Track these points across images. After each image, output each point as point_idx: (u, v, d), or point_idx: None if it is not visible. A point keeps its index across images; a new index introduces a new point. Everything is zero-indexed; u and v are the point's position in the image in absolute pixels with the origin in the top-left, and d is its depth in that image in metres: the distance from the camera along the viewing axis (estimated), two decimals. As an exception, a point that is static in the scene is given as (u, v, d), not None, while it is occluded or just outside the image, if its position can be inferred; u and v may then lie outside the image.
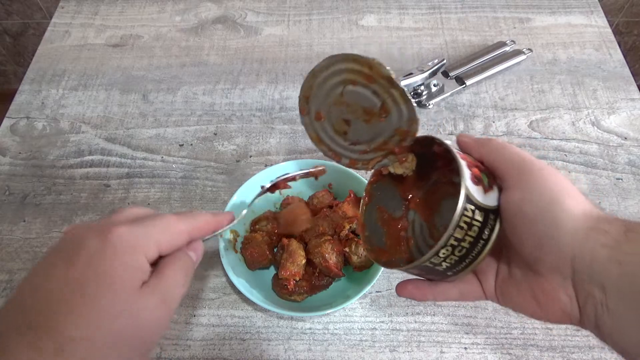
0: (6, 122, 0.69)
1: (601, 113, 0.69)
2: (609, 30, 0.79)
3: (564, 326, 0.51)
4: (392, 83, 0.31)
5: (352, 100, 0.34)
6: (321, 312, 0.50)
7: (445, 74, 0.71)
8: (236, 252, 0.54)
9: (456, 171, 0.29)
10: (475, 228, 0.29)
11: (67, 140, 0.67)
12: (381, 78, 0.32)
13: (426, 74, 0.67)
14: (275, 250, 0.55)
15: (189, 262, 0.32)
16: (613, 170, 0.63)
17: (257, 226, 0.56)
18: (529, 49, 0.74)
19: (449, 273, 0.31)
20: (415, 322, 0.52)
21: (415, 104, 0.33)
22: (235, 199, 0.55)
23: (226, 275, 0.50)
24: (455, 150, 0.31)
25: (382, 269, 0.49)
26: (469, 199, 0.28)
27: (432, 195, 0.36)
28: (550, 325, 0.51)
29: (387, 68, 0.31)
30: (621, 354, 0.26)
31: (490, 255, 0.31)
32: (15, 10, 1.38)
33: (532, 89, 0.71)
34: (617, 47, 0.76)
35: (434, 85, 0.69)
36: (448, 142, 0.31)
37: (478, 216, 0.29)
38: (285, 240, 0.52)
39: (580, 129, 0.67)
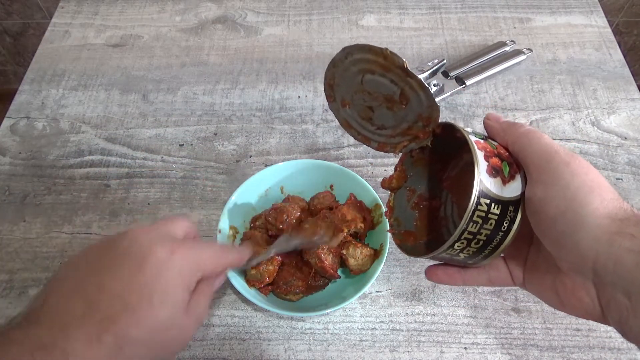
0: (6, 122, 0.69)
1: (601, 113, 0.69)
2: (609, 30, 0.79)
3: (564, 326, 0.51)
4: (407, 72, 0.31)
5: (372, 88, 0.34)
6: (318, 313, 0.50)
7: (445, 74, 0.71)
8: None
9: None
10: (492, 221, 0.28)
11: (67, 140, 0.67)
12: (396, 67, 0.32)
13: (426, 74, 0.67)
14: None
15: (213, 292, 0.36)
16: (613, 170, 0.63)
17: (257, 223, 0.56)
18: (529, 49, 0.74)
19: (469, 262, 0.31)
20: (415, 322, 0.52)
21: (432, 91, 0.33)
22: (234, 199, 0.55)
23: (225, 275, 0.50)
24: (474, 138, 0.30)
25: (379, 271, 0.49)
26: (483, 193, 0.27)
27: (464, 175, 0.35)
28: (550, 325, 0.51)
29: (401, 58, 0.31)
30: None
31: (519, 242, 0.30)
32: (15, 10, 1.38)
33: (532, 89, 0.71)
34: (617, 47, 0.76)
35: (434, 85, 0.69)
36: (469, 129, 0.31)
37: (495, 209, 0.28)
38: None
39: (580, 129, 0.67)
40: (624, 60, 0.75)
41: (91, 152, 0.66)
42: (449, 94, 0.69)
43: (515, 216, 0.29)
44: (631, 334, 0.25)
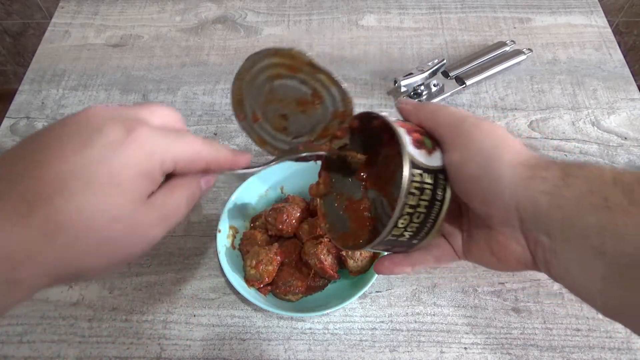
0: (6, 122, 0.69)
1: (601, 113, 0.69)
2: (609, 30, 0.79)
3: (563, 326, 0.51)
4: (315, 68, 0.32)
5: (282, 94, 0.34)
6: (317, 313, 0.50)
7: (445, 74, 0.71)
8: (234, 248, 0.54)
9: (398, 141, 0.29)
10: (428, 191, 0.29)
11: (67, 140, 0.67)
12: (305, 65, 0.32)
13: (426, 74, 0.67)
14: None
15: (197, 192, 0.30)
16: (613, 170, 0.63)
17: (257, 223, 0.56)
18: (529, 49, 0.74)
19: (414, 241, 0.31)
20: (415, 322, 0.52)
21: (344, 84, 0.33)
22: (234, 199, 0.55)
23: (225, 275, 0.50)
24: (394, 119, 0.31)
25: None
26: (413, 164, 0.28)
27: (385, 169, 0.36)
28: (550, 325, 0.51)
29: (308, 54, 0.31)
30: (572, 293, 0.27)
31: (452, 217, 0.31)
32: (15, 10, 1.38)
33: (532, 89, 0.71)
34: (617, 47, 0.76)
35: (434, 85, 0.69)
36: (385, 113, 0.31)
37: (428, 179, 0.29)
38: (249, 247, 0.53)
39: (580, 129, 0.67)
40: (624, 60, 0.75)
41: (91, 152, 0.66)
42: (449, 94, 0.69)
43: (446, 184, 0.30)
44: (554, 272, 0.27)
